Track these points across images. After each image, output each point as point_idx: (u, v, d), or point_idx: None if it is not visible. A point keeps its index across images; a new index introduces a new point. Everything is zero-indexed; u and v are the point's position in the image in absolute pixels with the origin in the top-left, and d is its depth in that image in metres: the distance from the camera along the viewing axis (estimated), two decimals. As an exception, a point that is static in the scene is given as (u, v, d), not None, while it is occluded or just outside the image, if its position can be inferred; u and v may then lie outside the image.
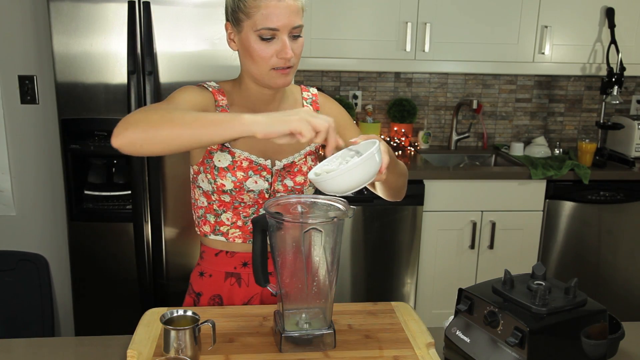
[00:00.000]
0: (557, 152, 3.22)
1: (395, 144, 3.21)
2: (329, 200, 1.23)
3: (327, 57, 2.93)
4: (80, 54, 2.39)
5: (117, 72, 2.41)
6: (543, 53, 3.02)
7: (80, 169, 2.57)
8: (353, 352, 1.19)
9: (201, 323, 1.15)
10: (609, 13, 3.00)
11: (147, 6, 2.35)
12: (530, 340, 1.03)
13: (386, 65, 3.02)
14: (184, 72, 2.43)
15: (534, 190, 2.93)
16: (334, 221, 1.16)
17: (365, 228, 2.85)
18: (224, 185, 1.38)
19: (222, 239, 1.46)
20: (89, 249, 2.59)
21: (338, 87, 3.32)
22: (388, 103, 3.35)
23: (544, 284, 1.13)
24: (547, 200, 2.94)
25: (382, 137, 3.28)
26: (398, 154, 3.18)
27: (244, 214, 1.43)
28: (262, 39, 1.29)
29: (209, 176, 1.40)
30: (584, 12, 3.02)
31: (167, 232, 2.56)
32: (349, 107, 3.17)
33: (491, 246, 2.95)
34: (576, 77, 3.45)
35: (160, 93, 2.42)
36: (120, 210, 2.58)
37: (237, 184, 1.38)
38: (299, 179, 1.44)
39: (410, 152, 3.23)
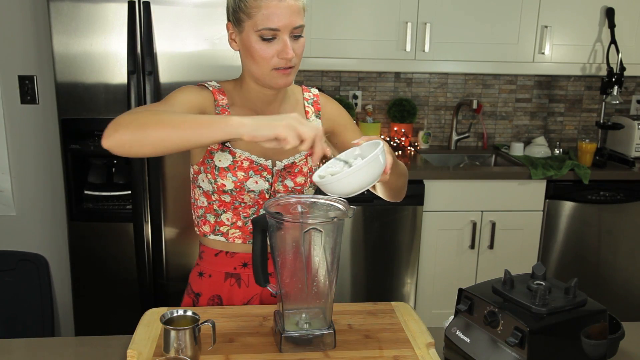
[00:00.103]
0: (557, 152, 3.22)
1: (395, 144, 3.21)
2: (329, 200, 1.23)
3: (327, 57, 2.93)
4: (80, 54, 2.39)
5: (117, 72, 2.41)
6: (543, 53, 3.02)
7: (80, 169, 2.57)
8: (353, 352, 1.19)
9: (201, 323, 1.15)
10: (609, 13, 3.00)
11: (147, 6, 2.35)
12: (530, 340, 1.03)
13: (386, 65, 3.02)
14: (184, 72, 2.43)
15: (534, 190, 2.93)
16: (334, 221, 1.16)
17: (365, 228, 2.85)
18: (225, 185, 1.38)
19: (222, 239, 1.45)
20: (89, 249, 2.59)
21: (338, 87, 3.32)
22: (388, 103, 3.35)
23: (544, 284, 1.13)
24: (547, 200, 2.94)
25: (382, 137, 3.28)
26: (398, 154, 3.18)
27: (244, 214, 1.43)
28: (263, 39, 1.29)
29: (210, 176, 1.40)
30: (584, 12, 3.02)
31: (167, 232, 2.56)
32: (349, 107, 3.17)
33: (491, 246, 2.95)
34: (576, 77, 3.45)
35: (160, 93, 2.42)
36: (120, 210, 2.58)
37: (238, 184, 1.38)
38: (300, 179, 1.44)
39: (410, 152, 3.23)
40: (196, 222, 1.50)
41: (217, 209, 1.43)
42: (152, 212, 2.51)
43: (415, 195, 2.82)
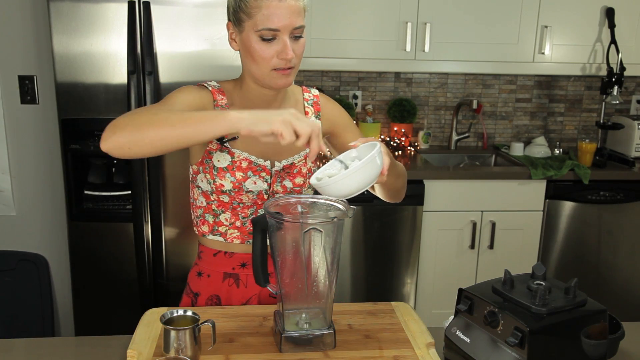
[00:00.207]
0: (557, 152, 3.22)
1: (395, 144, 3.21)
2: (329, 200, 1.23)
3: (327, 57, 2.93)
4: (80, 54, 2.39)
5: (117, 72, 2.41)
6: (543, 53, 3.02)
7: (80, 169, 2.57)
8: (353, 352, 1.19)
9: (201, 323, 1.15)
10: (609, 13, 3.00)
11: (147, 6, 2.35)
12: (530, 340, 1.03)
13: (386, 65, 3.02)
14: (184, 72, 2.43)
15: (534, 190, 2.93)
16: (334, 221, 1.16)
17: (365, 228, 2.85)
18: (223, 186, 1.38)
19: (221, 239, 1.45)
20: (89, 249, 2.59)
21: (338, 87, 3.32)
22: (388, 103, 3.35)
23: (544, 284, 1.13)
24: (547, 200, 2.94)
25: (382, 137, 3.28)
26: (398, 154, 3.18)
27: (243, 214, 1.43)
28: (263, 40, 1.29)
29: (208, 176, 1.40)
30: (584, 12, 3.02)
31: (167, 232, 2.56)
32: (349, 107, 3.17)
33: (491, 246, 2.95)
34: (576, 77, 3.45)
35: (160, 93, 2.42)
36: (120, 210, 2.58)
37: (236, 184, 1.38)
38: (298, 180, 1.44)
39: (410, 152, 3.23)
40: (195, 222, 1.50)
41: (216, 209, 1.43)
42: (152, 212, 2.51)
43: (415, 195, 2.82)
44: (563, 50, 3.05)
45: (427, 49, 2.95)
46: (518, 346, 1.05)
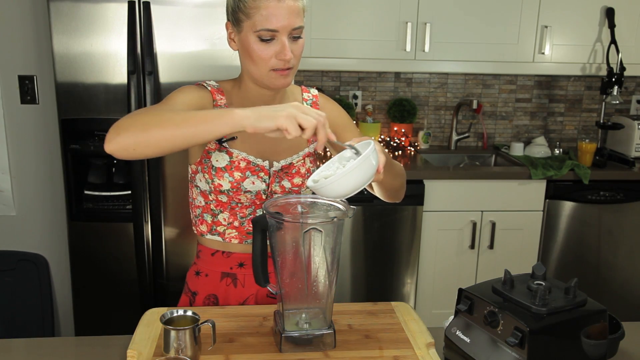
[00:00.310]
0: (557, 152, 3.22)
1: (395, 144, 3.21)
2: (329, 200, 1.23)
3: (327, 57, 2.93)
4: (80, 54, 2.39)
5: (117, 72, 2.41)
6: (543, 53, 3.02)
7: (80, 169, 2.57)
8: (353, 352, 1.19)
9: (201, 323, 1.15)
10: (609, 13, 3.00)
11: (147, 6, 2.35)
12: (530, 340, 1.03)
13: (386, 65, 3.02)
14: (184, 72, 2.43)
15: (534, 190, 2.93)
16: (334, 221, 1.16)
17: (365, 228, 2.85)
18: (221, 186, 1.38)
19: (219, 239, 1.45)
20: (89, 249, 2.59)
21: (338, 87, 3.32)
22: (388, 103, 3.35)
23: (544, 284, 1.13)
24: (547, 200, 2.94)
25: (382, 137, 3.28)
26: (398, 154, 3.18)
27: (241, 214, 1.43)
28: (262, 40, 1.29)
29: (207, 176, 1.40)
30: (584, 12, 3.02)
31: (167, 232, 2.56)
32: (349, 107, 3.17)
33: (491, 246, 2.95)
34: (576, 77, 3.45)
35: (160, 93, 2.42)
36: (120, 210, 2.58)
37: (235, 184, 1.38)
38: (297, 180, 1.44)
39: (410, 152, 3.23)
40: (194, 221, 1.50)
41: (214, 208, 1.43)
42: (152, 212, 2.51)
43: (415, 195, 2.82)
44: (563, 50, 3.05)
45: (427, 49, 2.95)
46: (518, 346, 1.05)
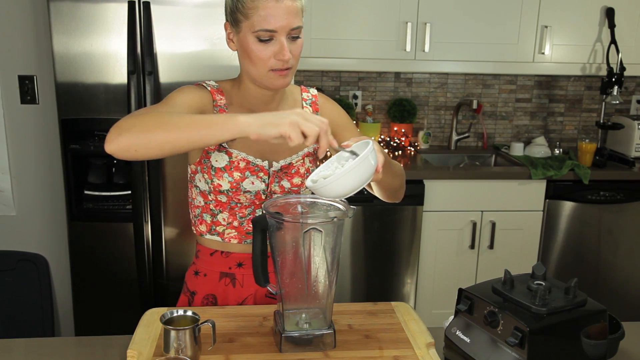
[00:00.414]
0: (557, 152, 3.22)
1: (395, 144, 3.21)
2: (329, 200, 1.23)
3: (327, 57, 2.93)
4: (80, 54, 2.39)
5: (117, 72, 2.41)
6: (543, 53, 3.02)
7: (80, 169, 2.57)
8: (353, 352, 1.19)
9: (201, 323, 1.15)
10: (609, 13, 3.00)
11: (147, 6, 2.35)
12: (530, 340, 1.03)
13: (386, 65, 3.02)
14: (184, 72, 2.43)
15: (534, 190, 2.93)
16: (334, 221, 1.16)
17: (365, 228, 2.85)
18: (221, 186, 1.38)
19: (218, 239, 1.45)
20: (89, 249, 2.59)
21: (338, 87, 3.32)
22: (388, 103, 3.35)
23: (544, 284, 1.13)
24: (547, 200, 2.94)
25: (382, 137, 3.28)
26: (398, 154, 3.18)
27: (240, 214, 1.43)
28: (260, 40, 1.29)
29: (206, 176, 1.40)
30: (584, 12, 3.02)
31: (167, 232, 2.56)
32: (349, 107, 3.17)
33: (491, 246, 2.95)
34: (576, 77, 3.45)
35: (160, 93, 2.42)
36: (120, 210, 2.58)
37: (234, 184, 1.38)
38: (296, 180, 1.44)
39: (410, 152, 3.23)
40: (193, 221, 1.50)
41: (214, 208, 1.43)
42: (152, 212, 2.51)
43: (415, 195, 2.82)
44: (563, 50, 3.05)
45: (427, 49, 2.95)
46: (518, 346, 1.05)
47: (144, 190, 2.48)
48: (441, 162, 3.31)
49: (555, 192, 2.93)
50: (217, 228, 1.45)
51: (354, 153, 1.17)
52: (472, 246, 2.94)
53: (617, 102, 3.06)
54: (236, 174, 1.38)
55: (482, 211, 2.91)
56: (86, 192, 2.57)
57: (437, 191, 2.86)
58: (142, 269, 2.55)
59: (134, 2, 2.33)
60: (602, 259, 3.04)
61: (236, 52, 1.39)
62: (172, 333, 1.11)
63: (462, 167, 3.20)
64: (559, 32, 3.02)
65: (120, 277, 2.60)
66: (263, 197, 1.42)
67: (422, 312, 2.93)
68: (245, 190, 1.39)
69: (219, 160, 1.38)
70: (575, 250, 3.02)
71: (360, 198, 2.75)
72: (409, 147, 3.24)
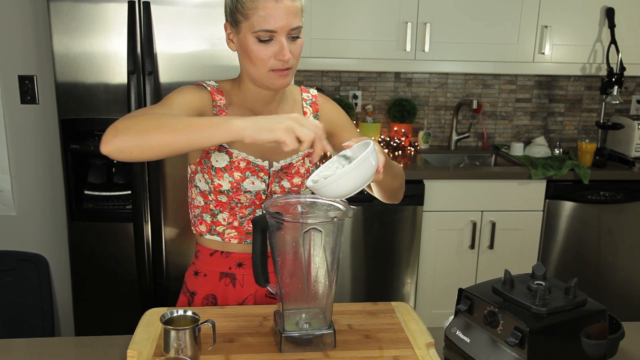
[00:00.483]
0: (557, 152, 3.22)
1: (395, 144, 3.21)
2: (329, 200, 1.23)
3: (327, 57, 2.93)
4: (80, 54, 2.39)
5: (117, 72, 2.41)
6: (543, 53, 3.02)
7: (80, 169, 2.57)
8: (353, 352, 1.19)
9: (201, 323, 1.15)
10: (609, 13, 3.00)
11: (147, 6, 2.35)
12: (530, 340, 1.03)
13: (386, 65, 3.02)
14: (184, 72, 2.43)
15: (534, 190, 2.93)
16: (334, 221, 1.16)
17: (365, 228, 2.85)
18: (221, 186, 1.38)
19: (218, 239, 1.45)
20: (89, 249, 2.59)
21: (338, 87, 3.32)
22: (388, 103, 3.35)
23: (544, 284, 1.13)
24: (547, 200, 2.94)
25: (382, 137, 3.28)
26: (398, 154, 3.18)
27: (240, 214, 1.43)
28: (260, 41, 1.29)
29: (206, 176, 1.40)
30: (584, 12, 3.02)
31: (167, 232, 2.56)
32: (348, 108, 3.17)
33: (491, 246, 2.95)
34: (576, 77, 3.45)
35: (160, 93, 2.42)
36: (120, 210, 2.58)
37: (234, 184, 1.38)
38: (296, 180, 1.44)
39: (410, 152, 3.23)
40: (193, 221, 1.50)
41: (214, 208, 1.43)
42: (152, 212, 2.51)
43: (415, 195, 2.82)
44: (563, 50, 3.05)
45: (427, 49, 2.95)
46: (518, 346, 1.05)
47: (144, 190, 2.48)
48: (441, 162, 3.31)
49: (555, 192, 2.94)
50: (217, 228, 1.44)
51: (353, 155, 1.17)
52: (472, 246, 2.94)
53: (617, 102, 3.06)
54: (236, 174, 1.38)
55: (482, 211, 2.92)
56: (86, 192, 2.58)
57: (437, 191, 2.86)
58: (142, 269, 2.55)
59: (134, 2, 2.33)
60: (602, 259, 3.04)
61: (236, 52, 1.39)
62: (172, 333, 1.11)
63: (462, 167, 3.20)
64: (559, 32, 3.02)
65: (120, 277, 2.60)
66: (263, 197, 1.42)
67: (422, 312, 2.94)
68: (245, 190, 1.39)
69: (220, 160, 1.38)
70: (575, 250, 3.02)
71: (360, 198, 2.75)
72: (409, 147, 3.24)
